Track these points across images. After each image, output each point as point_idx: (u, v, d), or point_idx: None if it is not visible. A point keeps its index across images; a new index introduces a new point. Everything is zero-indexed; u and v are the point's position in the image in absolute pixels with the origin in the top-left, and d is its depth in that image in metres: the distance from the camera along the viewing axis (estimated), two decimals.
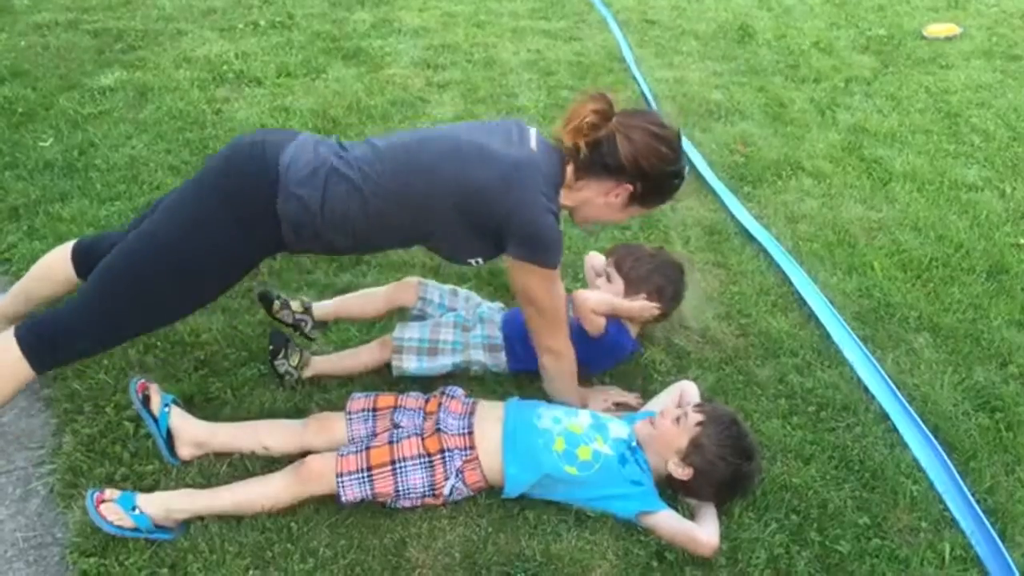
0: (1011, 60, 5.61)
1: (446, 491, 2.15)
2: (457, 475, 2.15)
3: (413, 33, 5.55)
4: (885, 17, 6.35)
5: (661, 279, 2.66)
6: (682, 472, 2.18)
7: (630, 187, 2.23)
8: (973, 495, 2.30)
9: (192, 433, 2.26)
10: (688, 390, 2.48)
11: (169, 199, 2.24)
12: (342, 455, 2.13)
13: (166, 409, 2.24)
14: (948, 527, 2.23)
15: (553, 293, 2.26)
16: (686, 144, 4.11)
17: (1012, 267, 3.34)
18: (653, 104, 4.60)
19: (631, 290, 2.64)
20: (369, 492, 2.10)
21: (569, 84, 4.88)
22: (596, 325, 2.56)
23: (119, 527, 2.02)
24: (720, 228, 3.52)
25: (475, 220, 2.17)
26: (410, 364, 2.56)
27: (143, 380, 2.25)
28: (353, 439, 2.25)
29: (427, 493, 2.13)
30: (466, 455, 2.17)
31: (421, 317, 2.71)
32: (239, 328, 2.76)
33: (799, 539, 2.17)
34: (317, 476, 2.11)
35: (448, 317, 2.69)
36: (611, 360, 2.68)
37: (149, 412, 2.22)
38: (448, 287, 2.81)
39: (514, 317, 2.66)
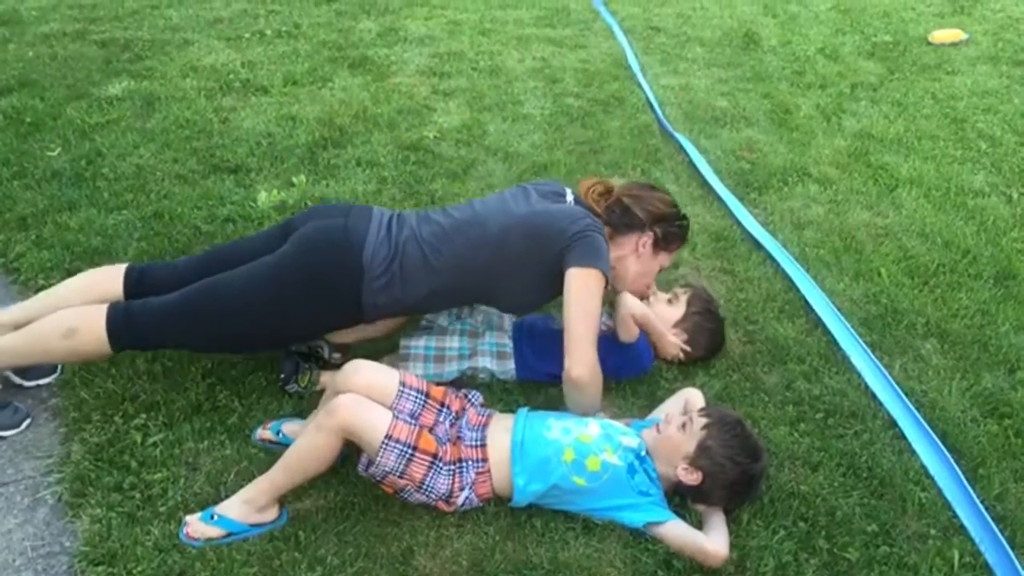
0: (1017, 65, 5.60)
1: (459, 501, 2.15)
2: (471, 487, 2.16)
3: (419, 42, 5.57)
4: (891, 23, 6.35)
5: (708, 341, 2.75)
6: (691, 477, 2.18)
7: (651, 234, 2.61)
8: (982, 502, 2.28)
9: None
10: (693, 397, 2.48)
11: (263, 264, 2.42)
12: (397, 419, 2.10)
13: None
14: (957, 534, 2.22)
15: (600, 303, 2.41)
16: (692, 151, 4.14)
17: (1019, 272, 3.33)
18: (658, 111, 4.61)
19: (682, 325, 2.72)
20: (402, 468, 2.07)
21: (575, 91, 4.89)
22: (631, 332, 2.62)
23: (209, 539, 2.07)
24: (726, 234, 3.51)
25: (539, 251, 2.42)
26: (416, 371, 2.57)
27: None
28: (396, 411, 2.19)
29: (443, 498, 2.13)
30: (479, 467, 2.18)
31: (429, 328, 2.71)
32: None
33: (807, 547, 2.16)
34: (348, 410, 2.07)
35: (455, 325, 2.69)
36: (628, 371, 2.68)
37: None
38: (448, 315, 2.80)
39: (524, 325, 2.66)
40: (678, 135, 4.32)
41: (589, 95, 4.85)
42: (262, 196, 3.52)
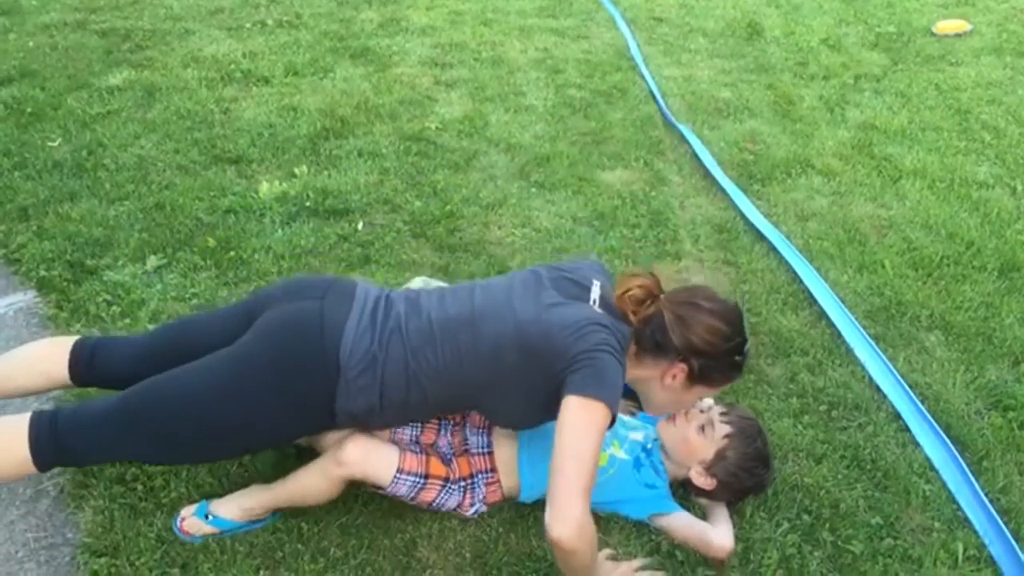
0: (1021, 56, 5.58)
1: (469, 513, 2.15)
2: (482, 501, 2.16)
3: (420, 32, 5.55)
4: (894, 14, 6.32)
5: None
6: (705, 482, 2.17)
7: (684, 367, 2.01)
8: (986, 494, 2.28)
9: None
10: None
11: (219, 360, 1.99)
12: (406, 451, 2.09)
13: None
14: (961, 527, 2.22)
15: (598, 440, 1.87)
16: (695, 142, 4.11)
17: (1023, 265, 3.32)
18: (661, 102, 4.59)
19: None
20: (414, 495, 2.08)
21: (577, 82, 4.87)
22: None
23: (203, 536, 2.06)
24: (730, 226, 3.50)
25: (534, 371, 1.93)
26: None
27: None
28: (398, 432, 2.19)
29: (452, 510, 2.15)
30: (488, 477, 2.17)
31: None
32: None
33: (811, 539, 2.16)
34: (356, 464, 2.02)
35: None
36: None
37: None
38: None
39: None
40: (681, 126, 4.31)
41: (591, 86, 4.84)
42: (264, 187, 3.51)
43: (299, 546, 2.06)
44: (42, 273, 2.95)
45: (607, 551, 2.07)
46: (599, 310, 2.00)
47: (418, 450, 2.14)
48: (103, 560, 2.00)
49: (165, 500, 2.16)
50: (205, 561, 2.00)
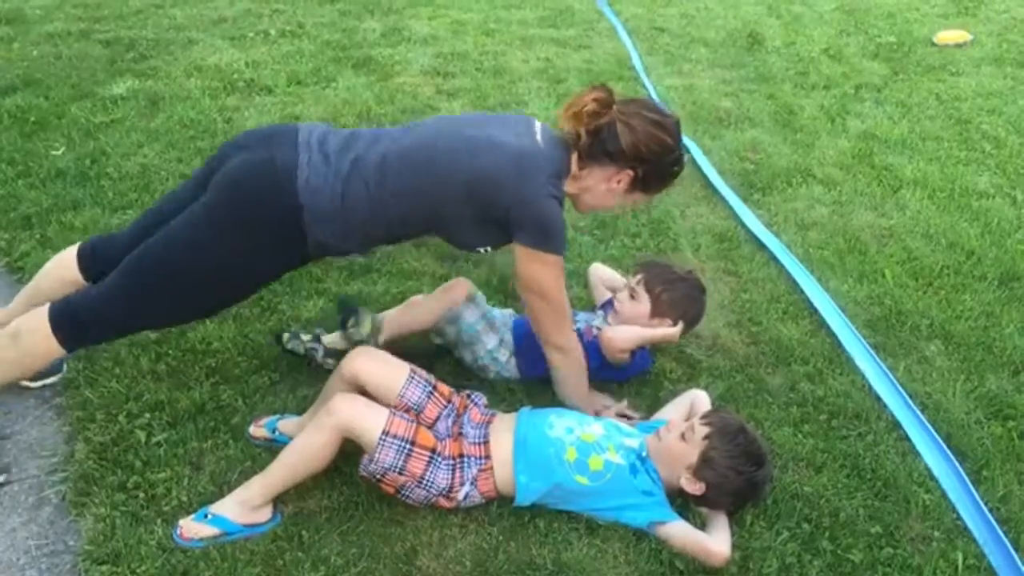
0: (1022, 67, 5.60)
1: (460, 496, 2.15)
2: (472, 483, 2.16)
3: (423, 41, 5.57)
4: (895, 24, 6.34)
5: (689, 305, 2.66)
6: (695, 487, 2.17)
7: (631, 172, 2.29)
8: (986, 504, 2.28)
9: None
10: (699, 399, 2.48)
11: (191, 218, 2.20)
12: (394, 415, 2.11)
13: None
14: (961, 536, 2.21)
15: (560, 283, 2.29)
16: (696, 152, 4.13)
17: None
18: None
19: (657, 312, 2.62)
20: (401, 464, 2.07)
21: (579, 92, 4.87)
22: (622, 360, 2.59)
23: (203, 539, 2.07)
24: (730, 235, 3.51)
25: (484, 209, 2.21)
26: (469, 317, 2.60)
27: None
28: (402, 396, 2.22)
29: (443, 493, 2.13)
30: (481, 464, 2.18)
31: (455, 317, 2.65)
32: (250, 336, 2.77)
33: (811, 548, 2.16)
34: (346, 411, 2.08)
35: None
36: (629, 375, 2.69)
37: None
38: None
39: (522, 323, 2.66)
40: (682, 135, 4.31)
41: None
42: None
43: (300, 554, 2.06)
44: None
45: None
46: (540, 142, 2.27)
47: (409, 419, 2.15)
48: (104, 568, 2.00)
49: (167, 508, 2.16)
50: (206, 569, 2.01)
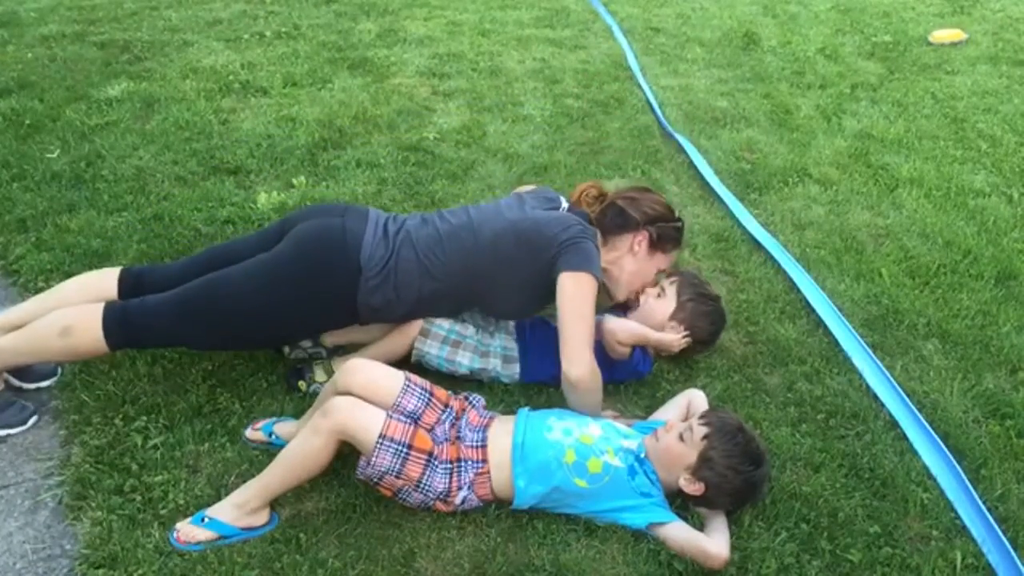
0: (1017, 65, 5.60)
1: (457, 500, 2.15)
2: (469, 487, 2.16)
3: (418, 42, 5.57)
4: (891, 23, 6.35)
5: (706, 324, 2.70)
6: (694, 488, 2.17)
7: (646, 233, 2.63)
8: (984, 503, 2.28)
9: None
10: (696, 399, 2.48)
11: (263, 261, 2.43)
12: (391, 418, 2.10)
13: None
14: (959, 535, 2.22)
15: (593, 306, 2.41)
16: (693, 152, 4.13)
17: (1020, 273, 3.33)
18: (658, 111, 4.61)
19: (676, 316, 2.66)
20: (398, 467, 2.07)
21: (575, 92, 4.89)
22: (620, 353, 2.60)
23: (200, 543, 2.07)
24: (727, 235, 3.51)
25: (532, 254, 2.45)
26: (432, 349, 2.57)
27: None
28: (398, 406, 2.20)
29: (441, 497, 2.13)
30: (478, 468, 2.18)
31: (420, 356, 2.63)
32: None
33: (809, 548, 2.16)
34: (343, 413, 2.08)
35: (468, 328, 2.68)
36: (624, 378, 2.68)
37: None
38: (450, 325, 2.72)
39: (526, 328, 2.66)
40: (678, 136, 4.32)
41: (589, 96, 4.85)
42: (262, 197, 3.52)
43: (297, 557, 2.05)
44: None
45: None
46: (570, 214, 2.59)
47: (407, 421, 2.14)
48: (101, 572, 2.00)
49: (163, 511, 2.16)
50: (203, 572, 2.00)
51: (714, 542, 2.09)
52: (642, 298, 2.73)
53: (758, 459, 2.19)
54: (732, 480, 2.15)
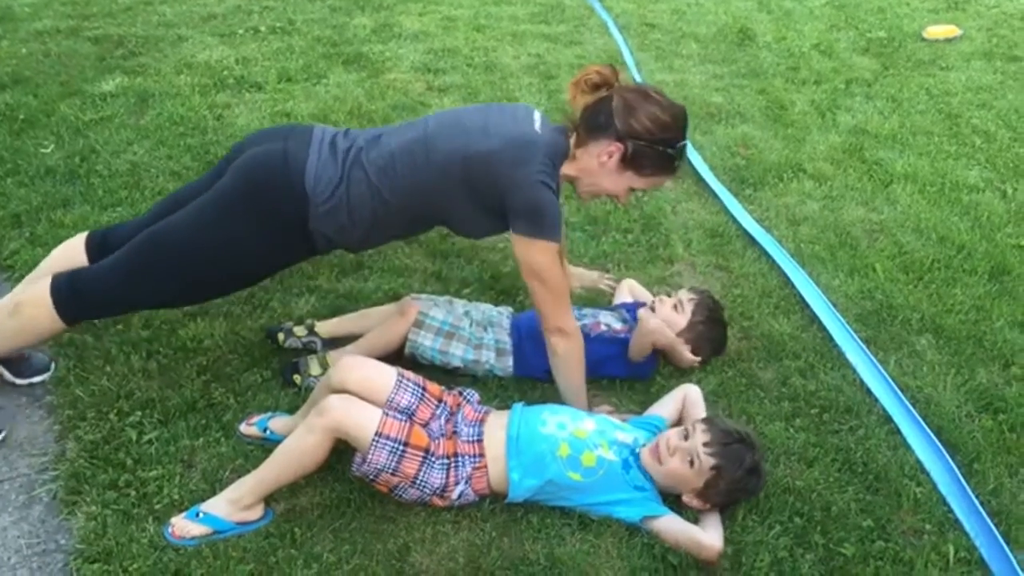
0: (1011, 61, 5.61)
1: (454, 495, 2.15)
2: (466, 482, 2.16)
3: (413, 38, 5.56)
4: (885, 19, 6.35)
5: (710, 349, 2.74)
6: (699, 504, 2.17)
7: (620, 146, 2.28)
8: (977, 497, 2.29)
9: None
10: (691, 394, 2.48)
11: (203, 203, 2.31)
12: (387, 416, 2.10)
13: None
14: (952, 529, 2.23)
15: (557, 267, 2.32)
16: (687, 147, 4.11)
17: (1014, 268, 3.34)
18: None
19: (685, 333, 2.68)
20: (394, 465, 2.06)
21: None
22: (643, 351, 2.61)
23: (195, 538, 2.06)
24: (722, 231, 3.52)
25: (480, 195, 2.28)
26: (425, 341, 2.58)
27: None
28: (392, 402, 2.20)
29: (437, 492, 2.13)
30: (475, 462, 2.17)
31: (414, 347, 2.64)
32: (241, 334, 2.76)
33: (803, 542, 2.16)
34: (338, 411, 2.06)
35: (463, 314, 2.70)
36: (624, 374, 2.69)
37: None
38: (446, 300, 2.78)
39: (522, 321, 2.66)
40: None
41: None
42: None
43: (292, 551, 2.06)
44: None
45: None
46: (539, 129, 2.30)
47: (403, 418, 2.14)
48: (96, 566, 2.00)
49: (158, 506, 2.16)
50: (198, 567, 2.00)
51: (708, 535, 2.10)
52: (657, 304, 2.75)
53: (760, 470, 2.20)
54: (736, 496, 2.18)
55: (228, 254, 2.30)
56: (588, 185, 2.41)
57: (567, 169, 2.36)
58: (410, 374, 2.28)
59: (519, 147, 2.25)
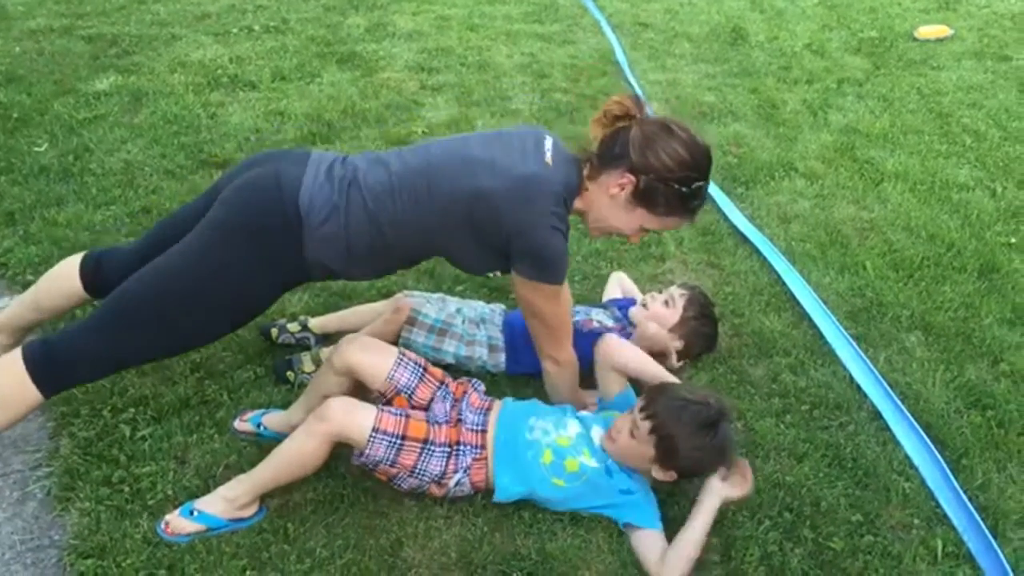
0: (1001, 61, 5.64)
1: (451, 483, 2.14)
2: (465, 471, 2.16)
3: (407, 37, 5.57)
4: (877, 19, 6.38)
5: (701, 346, 2.75)
6: (667, 475, 2.14)
7: (632, 179, 2.13)
8: (965, 492, 2.31)
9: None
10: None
11: (190, 238, 2.10)
12: (383, 411, 2.11)
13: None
14: (940, 523, 2.24)
15: (557, 307, 2.26)
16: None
17: (1003, 266, 3.36)
18: (646, 106, 4.62)
19: (677, 328, 2.68)
20: (392, 458, 2.08)
21: (563, 87, 4.90)
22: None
23: (189, 534, 2.07)
24: (713, 229, 3.53)
25: (484, 234, 2.14)
26: (418, 338, 2.60)
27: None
28: (392, 379, 2.21)
29: (436, 479, 2.13)
30: (476, 453, 2.18)
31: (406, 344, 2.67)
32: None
33: (792, 536, 2.18)
34: (338, 413, 2.06)
35: (456, 317, 2.71)
36: None
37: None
38: (438, 298, 2.81)
39: (515, 319, 2.68)
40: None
41: (577, 90, 4.86)
42: None
43: (285, 546, 2.07)
44: (28, 278, 2.95)
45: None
46: (550, 163, 2.14)
47: (399, 412, 2.15)
48: (90, 562, 2.01)
49: (152, 502, 2.17)
50: (192, 562, 2.01)
51: (667, 566, 2.03)
52: (648, 300, 2.76)
53: (714, 421, 2.10)
54: (700, 456, 2.10)
55: (222, 289, 2.09)
56: (597, 220, 2.27)
57: (577, 204, 2.23)
58: (411, 354, 2.29)
59: (527, 187, 2.09)
